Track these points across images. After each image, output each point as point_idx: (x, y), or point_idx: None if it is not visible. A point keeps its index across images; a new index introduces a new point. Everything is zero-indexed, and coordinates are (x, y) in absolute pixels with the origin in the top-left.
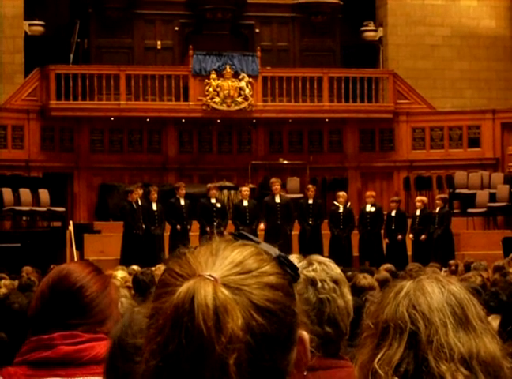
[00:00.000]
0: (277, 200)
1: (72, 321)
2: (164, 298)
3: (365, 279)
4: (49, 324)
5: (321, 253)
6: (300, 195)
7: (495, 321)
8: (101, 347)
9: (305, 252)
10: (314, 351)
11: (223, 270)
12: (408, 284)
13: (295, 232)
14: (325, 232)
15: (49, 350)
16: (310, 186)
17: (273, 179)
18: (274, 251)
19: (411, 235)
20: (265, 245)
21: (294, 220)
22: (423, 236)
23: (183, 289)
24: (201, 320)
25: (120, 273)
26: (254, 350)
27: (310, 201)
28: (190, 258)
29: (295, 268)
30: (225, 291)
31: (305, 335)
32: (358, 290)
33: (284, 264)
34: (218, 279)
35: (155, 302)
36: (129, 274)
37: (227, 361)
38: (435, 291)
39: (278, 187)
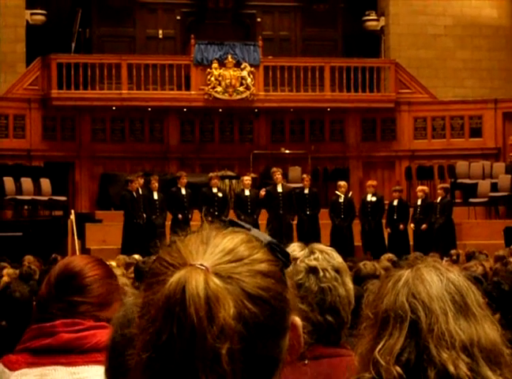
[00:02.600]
0: (279, 189)
1: (73, 298)
2: (155, 288)
3: (365, 269)
4: (52, 303)
5: (320, 242)
6: (302, 184)
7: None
8: (102, 335)
9: (303, 241)
10: (307, 338)
11: (214, 258)
12: (406, 273)
13: (294, 222)
14: (323, 221)
15: (50, 337)
16: (304, 176)
17: (274, 169)
18: (265, 238)
19: (412, 225)
20: (255, 232)
21: (295, 210)
22: (424, 225)
23: (174, 279)
24: (192, 311)
25: (121, 259)
26: (247, 338)
27: (306, 191)
28: (180, 247)
29: (286, 255)
30: (216, 281)
31: (298, 321)
32: (361, 279)
33: (275, 250)
34: (209, 268)
35: (146, 291)
36: (131, 263)
37: (219, 350)
38: (434, 279)
39: (279, 176)
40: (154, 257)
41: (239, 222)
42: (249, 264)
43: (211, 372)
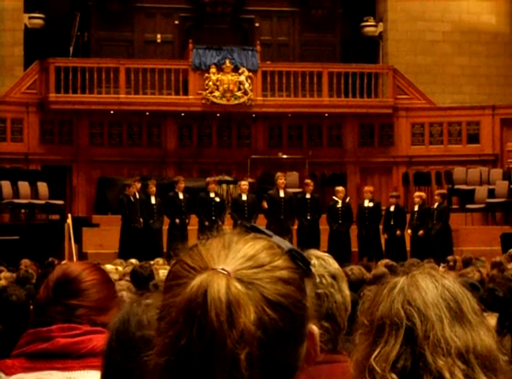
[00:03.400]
0: (282, 194)
1: (70, 301)
2: (176, 291)
3: (353, 274)
4: (50, 306)
5: (319, 248)
6: (299, 189)
7: (491, 318)
8: (99, 340)
9: (303, 246)
10: (323, 346)
11: (235, 264)
12: (401, 280)
13: (294, 227)
14: (324, 227)
15: (47, 342)
16: (308, 181)
17: (279, 173)
18: (286, 245)
19: (409, 231)
20: (277, 239)
21: (295, 215)
22: (421, 231)
23: (196, 282)
24: (213, 315)
25: (118, 263)
26: (266, 345)
27: (308, 196)
28: (202, 251)
29: (307, 262)
30: (238, 286)
31: (315, 329)
32: (350, 286)
33: (296, 258)
34: (231, 273)
35: (166, 293)
36: (128, 267)
37: (238, 356)
38: (429, 286)
39: (284, 181)
40: (152, 262)
41: (261, 228)
42: (270, 270)
43: (229, 377)
